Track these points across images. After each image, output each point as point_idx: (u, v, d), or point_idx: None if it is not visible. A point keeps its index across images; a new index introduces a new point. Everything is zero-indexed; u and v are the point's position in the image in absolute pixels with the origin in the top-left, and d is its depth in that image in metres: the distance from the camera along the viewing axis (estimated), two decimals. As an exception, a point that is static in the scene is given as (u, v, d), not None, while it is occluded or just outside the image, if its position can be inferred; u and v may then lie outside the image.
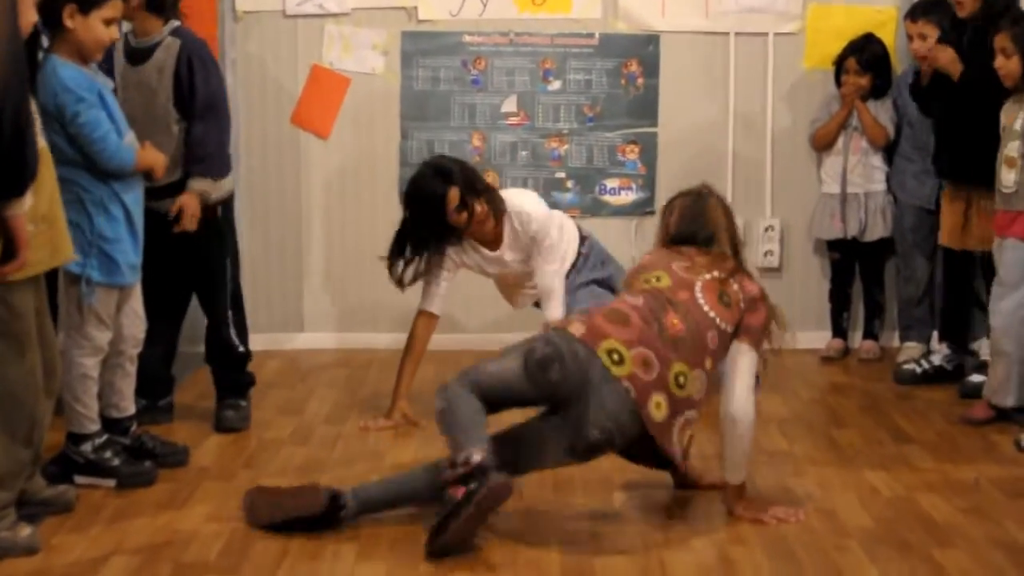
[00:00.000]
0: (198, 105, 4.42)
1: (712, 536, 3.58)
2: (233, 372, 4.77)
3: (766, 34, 5.96)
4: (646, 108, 6.00)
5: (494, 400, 3.55)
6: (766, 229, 6.05)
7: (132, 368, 4.18)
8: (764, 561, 3.39)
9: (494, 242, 4.79)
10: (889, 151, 5.76)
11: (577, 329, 3.53)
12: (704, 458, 4.11)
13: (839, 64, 5.74)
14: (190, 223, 4.40)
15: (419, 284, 4.80)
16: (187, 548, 3.49)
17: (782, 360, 5.58)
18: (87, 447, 3.98)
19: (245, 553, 3.45)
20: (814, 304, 6.03)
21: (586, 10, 5.94)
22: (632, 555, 3.44)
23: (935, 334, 5.58)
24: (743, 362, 3.65)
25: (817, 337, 5.95)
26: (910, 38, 5.56)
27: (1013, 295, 4.60)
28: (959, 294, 5.37)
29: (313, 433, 4.64)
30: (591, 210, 5.95)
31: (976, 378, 5.03)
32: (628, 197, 6.05)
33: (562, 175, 6.04)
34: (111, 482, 3.97)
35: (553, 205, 5.40)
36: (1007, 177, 4.62)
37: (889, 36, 5.83)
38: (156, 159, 4.09)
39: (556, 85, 5.99)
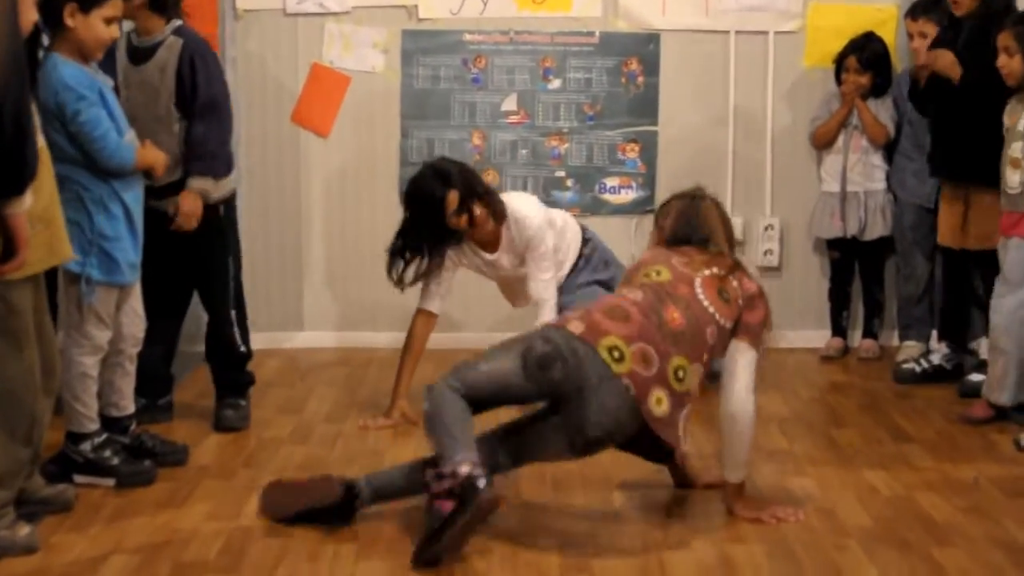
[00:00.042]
0: (199, 104, 4.41)
1: (711, 535, 3.58)
2: (233, 371, 4.77)
3: (766, 32, 5.96)
4: (646, 107, 6.00)
5: (487, 399, 3.55)
6: (766, 228, 6.05)
7: (131, 367, 4.17)
8: (763, 560, 3.39)
9: (492, 245, 4.79)
10: (889, 150, 5.76)
11: (576, 327, 3.53)
12: (703, 457, 4.12)
13: (839, 62, 5.74)
14: (188, 223, 4.40)
15: (419, 284, 4.80)
16: (186, 547, 3.49)
17: (782, 359, 5.64)
18: (86, 446, 3.98)
19: (244, 552, 3.45)
20: (814, 303, 6.03)
21: (586, 8, 5.94)
22: (631, 554, 3.44)
23: (935, 333, 5.58)
24: (742, 361, 3.64)
25: (817, 336, 5.96)
26: (910, 36, 5.57)
27: (1015, 294, 4.60)
28: (958, 293, 5.37)
29: (313, 432, 4.64)
30: (591, 209, 5.95)
31: (975, 377, 5.03)
32: (628, 196, 6.05)
33: (562, 174, 6.04)
34: (110, 481, 3.97)
35: (553, 204, 5.43)
36: (1012, 178, 4.62)
37: (889, 35, 5.83)
38: (156, 158, 4.09)
39: (556, 84, 5.99)
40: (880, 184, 5.77)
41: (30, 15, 3.37)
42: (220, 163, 4.53)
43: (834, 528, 3.63)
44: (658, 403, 3.46)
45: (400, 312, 4.94)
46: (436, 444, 3.47)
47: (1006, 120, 4.70)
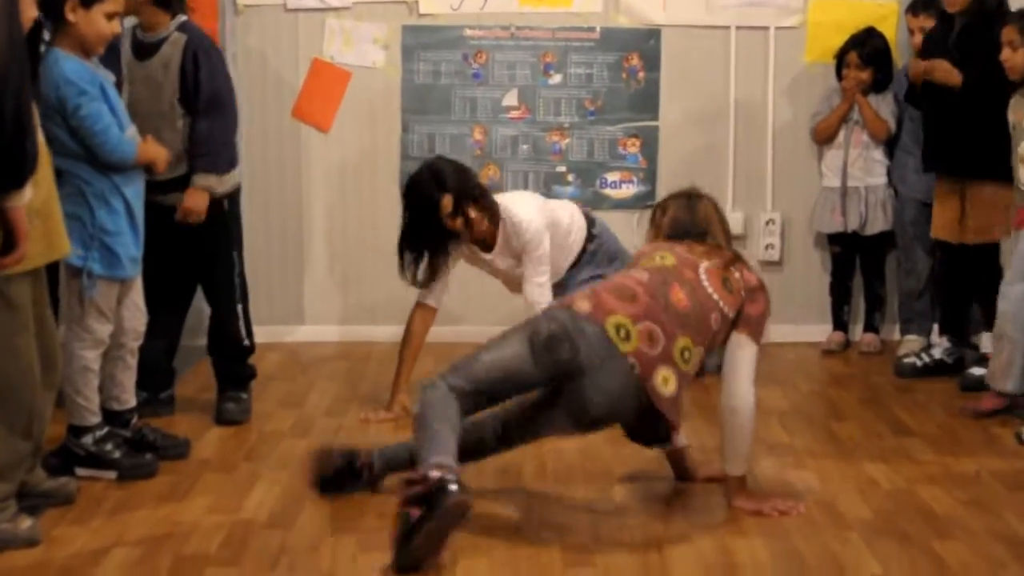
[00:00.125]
0: (203, 100, 4.42)
1: (712, 528, 3.58)
2: (235, 365, 4.77)
3: (767, 28, 5.96)
4: (647, 102, 6.00)
5: (493, 390, 3.54)
6: (767, 223, 6.05)
7: (133, 361, 4.18)
8: (764, 553, 3.39)
9: (489, 245, 4.78)
10: (890, 145, 5.77)
11: (582, 306, 3.53)
12: (704, 451, 4.12)
13: (840, 58, 5.74)
14: (193, 219, 4.43)
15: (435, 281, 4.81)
16: (188, 540, 3.49)
17: (783, 353, 5.64)
18: (88, 439, 3.99)
19: (246, 545, 3.46)
20: (815, 297, 6.03)
21: (587, 4, 5.94)
22: (633, 547, 3.44)
23: (936, 327, 5.58)
24: (743, 354, 3.65)
25: (818, 330, 5.97)
26: (911, 32, 5.58)
27: None
28: (957, 288, 5.37)
29: (314, 425, 4.65)
30: (592, 203, 5.94)
31: (976, 371, 5.04)
32: (629, 190, 6.05)
33: (563, 169, 6.04)
34: (112, 474, 3.97)
35: (554, 199, 5.40)
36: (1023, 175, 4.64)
37: (890, 30, 5.84)
38: (157, 153, 4.09)
39: (557, 79, 6.00)
40: (881, 179, 5.77)
41: (30, 11, 3.37)
42: (224, 159, 4.54)
43: (835, 521, 3.63)
44: (664, 382, 3.46)
45: (401, 306, 4.95)
46: (416, 446, 3.47)
47: (1011, 117, 4.70)
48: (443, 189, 4.60)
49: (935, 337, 5.55)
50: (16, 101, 3.10)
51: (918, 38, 5.43)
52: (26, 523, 3.44)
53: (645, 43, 5.97)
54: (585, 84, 5.99)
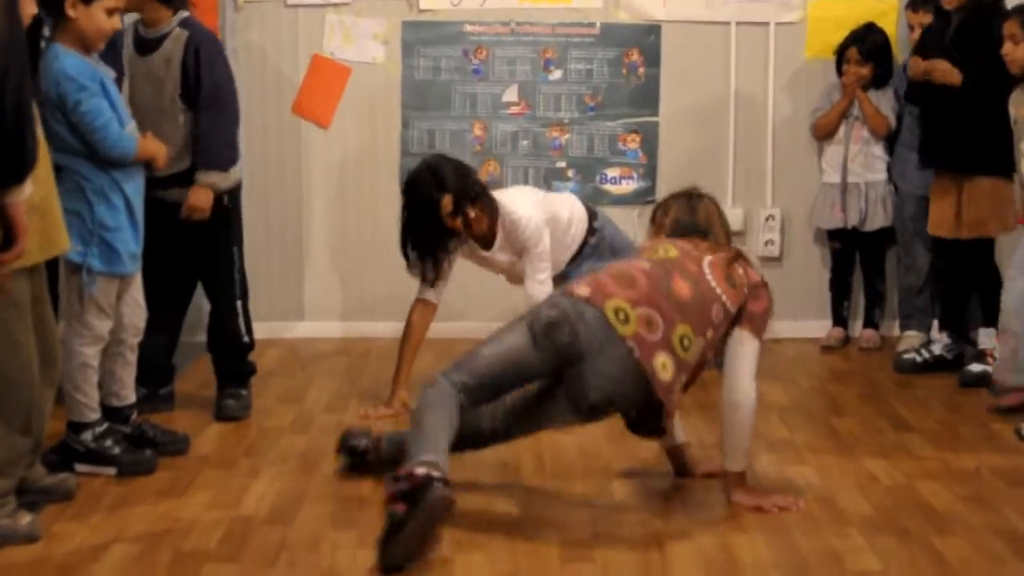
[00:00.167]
0: (203, 96, 4.42)
1: (712, 524, 3.58)
2: (235, 361, 4.77)
3: (767, 23, 5.96)
4: (647, 97, 6.00)
5: (496, 383, 3.55)
6: (767, 218, 6.05)
7: (132, 357, 4.18)
8: (764, 548, 3.39)
9: (488, 242, 4.78)
10: (890, 140, 5.76)
11: (583, 291, 3.54)
12: (704, 447, 4.12)
13: (840, 54, 5.74)
14: (198, 216, 4.44)
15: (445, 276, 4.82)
16: (187, 536, 3.49)
17: (783, 349, 5.64)
18: (87, 436, 3.98)
19: (245, 541, 3.45)
20: (814, 293, 6.04)
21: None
22: (632, 544, 3.44)
23: (935, 323, 5.58)
24: (744, 349, 3.65)
25: (818, 326, 5.97)
26: (911, 28, 5.57)
27: None
28: (956, 283, 5.37)
29: (313, 421, 4.65)
30: (592, 199, 5.90)
31: (976, 367, 5.04)
32: (629, 186, 6.05)
33: (563, 164, 6.04)
34: (111, 470, 3.97)
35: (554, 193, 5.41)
36: None
37: (890, 26, 5.83)
38: (157, 149, 4.09)
39: (557, 75, 5.99)
40: (881, 175, 5.77)
41: (30, 7, 3.37)
42: (226, 155, 4.55)
43: (835, 517, 3.63)
44: (664, 368, 3.47)
45: (401, 302, 4.94)
46: (408, 443, 3.47)
47: (1012, 111, 4.70)
48: (443, 189, 4.60)
49: (935, 333, 5.55)
50: (16, 97, 3.10)
51: (918, 34, 5.43)
52: (26, 519, 3.44)
53: (645, 39, 5.97)
54: (585, 80, 5.99)
